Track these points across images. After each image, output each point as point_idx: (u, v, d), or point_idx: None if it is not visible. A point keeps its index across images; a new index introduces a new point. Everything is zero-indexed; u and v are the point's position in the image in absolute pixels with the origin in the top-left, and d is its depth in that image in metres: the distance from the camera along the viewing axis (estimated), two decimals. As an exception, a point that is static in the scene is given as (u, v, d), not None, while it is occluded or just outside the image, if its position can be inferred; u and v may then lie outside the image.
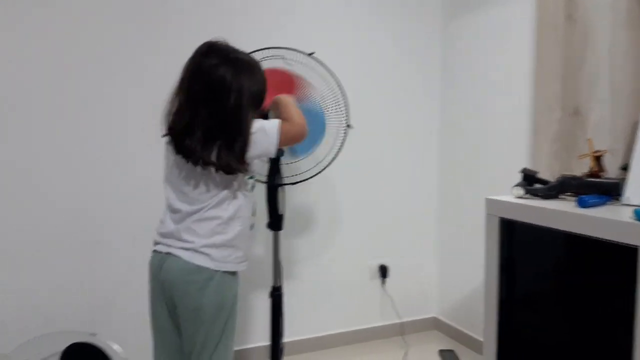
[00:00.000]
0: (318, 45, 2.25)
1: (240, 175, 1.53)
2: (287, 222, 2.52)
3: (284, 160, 2.06)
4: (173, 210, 1.54)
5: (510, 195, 1.82)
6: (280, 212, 2.07)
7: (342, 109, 2.11)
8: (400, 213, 2.83)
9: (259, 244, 2.48)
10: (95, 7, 2.15)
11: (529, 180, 1.84)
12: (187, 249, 1.49)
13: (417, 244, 2.89)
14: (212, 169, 1.45)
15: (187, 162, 1.46)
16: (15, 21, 2.05)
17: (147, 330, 2.31)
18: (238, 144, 1.44)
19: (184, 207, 1.51)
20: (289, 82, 1.97)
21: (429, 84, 2.83)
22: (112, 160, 2.23)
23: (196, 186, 1.49)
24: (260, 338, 2.52)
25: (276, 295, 2.10)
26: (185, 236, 1.50)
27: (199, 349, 1.52)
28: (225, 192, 1.51)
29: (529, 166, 2.13)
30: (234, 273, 1.57)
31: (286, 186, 2.09)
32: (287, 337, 2.54)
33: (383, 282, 2.81)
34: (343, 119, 2.11)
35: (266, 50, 2.04)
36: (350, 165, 2.66)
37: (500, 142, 2.45)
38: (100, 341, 2.14)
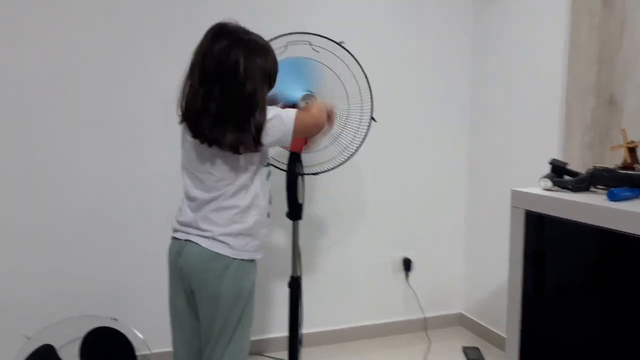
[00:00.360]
0: (346, 35, 2.22)
1: (256, 163, 1.51)
2: (310, 212, 2.52)
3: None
4: (190, 198, 1.54)
5: (538, 187, 1.75)
6: (299, 201, 2.04)
7: (368, 101, 2.05)
8: (426, 205, 2.76)
9: (281, 233, 2.46)
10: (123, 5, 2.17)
11: (558, 171, 1.75)
12: (206, 237, 1.49)
13: (442, 237, 2.81)
14: (228, 152, 1.44)
15: (202, 143, 1.45)
16: (35, 26, 2.08)
17: (167, 317, 2.33)
18: (252, 123, 1.41)
19: (201, 194, 1.50)
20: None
21: (458, 74, 2.75)
22: (132, 150, 2.25)
23: (213, 173, 1.48)
24: (280, 328, 2.50)
25: (295, 285, 2.08)
26: (203, 225, 1.49)
27: (216, 336, 1.52)
28: (242, 181, 1.49)
29: (561, 157, 2.05)
30: (251, 261, 1.56)
31: (307, 175, 2.06)
32: (307, 329, 2.54)
33: (407, 276, 2.75)
34: (367, 111, 2.06)
35: (293, 35, 2.00)
36: (377, 155, 2.62)
37: (531, 133, 2.35)
38: (121, 326, 2.18)
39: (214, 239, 1.48)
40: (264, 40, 1.50)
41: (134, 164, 2.25)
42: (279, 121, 1.48)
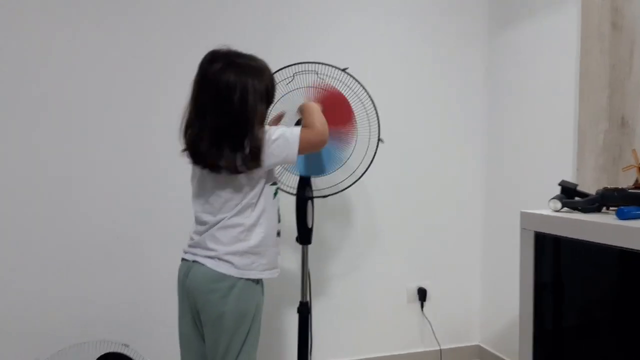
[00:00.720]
0: (358, 61, 2.26)
1: (262, 181, 1.54)
2: (321, 237, 2.51)
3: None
4: (200, 223, 1.57)
5: (548, 209, 1.72)
6: (309, 225, 2.05)
7: (375, 123, 2.07)
8: (442, 233, 2.72)
9: (292, 260, 2.45)
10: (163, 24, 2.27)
11: (568, 193, 1.73)
12: (211, 257, 1.51)
13: (458, 266, 2.76)
14: (231, 174, 1.47)
15: (203, 169, 1.48)
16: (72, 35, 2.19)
17: (178, 343, 2.32)
18: (248, 142, 1.44)
19: (210, 218, 1.53)
20: (347, 111, 1.97)
21: (472, 98, 2.75)
22: (148, 176, 2.29)
23: (220, 195, 1.51)
24: (290, 358, 2.47)
25: (303, 311, 2.06)
26: (210, 244, 1.51)
27: (220, 357, 1.51)
28: (247, 200, 1.51)
29: (575, 180, 2.02)
30: (257, 281, 1.56)
31: (317, 199, 2.07)
32: (319, 358, 2.49)
33: (422, 306, 2.69)
34: (375, 133, 2.08)
35: (299, 65, 2.05)
36: (390, 180, 2.62)
37: (546, 158, 2.32)
38: (132, 352, 2.17)
39: (219, 258, 1.49)
40: (258, 60, 1.53)
41: (148, 192, 2.29)
42: (283, 141, 1.51)
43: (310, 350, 2.10)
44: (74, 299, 2.21)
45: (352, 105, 1.98)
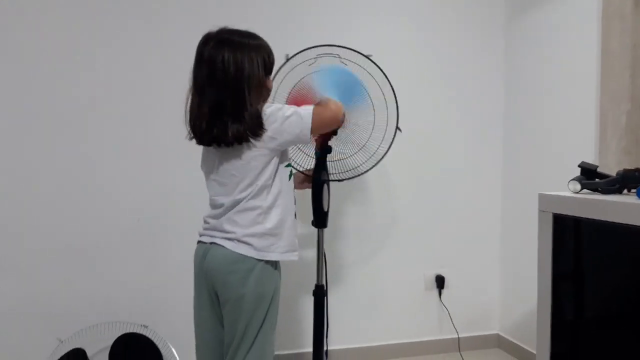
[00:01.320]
0: (378, 45, 2.24)
1: (275, 162, 1.53)
2: (339, 224, 2.51)
3: (330, 157, 2.04)
4: (216, 206, 1.57)
5: (566, 191, 1.68)
6: (325, 209, 2.04)
7: (394, 111, 2.06)
8: (460, 220, 2.70)
9: (312, 247, 2.44)
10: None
11: (588, 174, 1.69)
12: (230, 239, 1.51)
13: (477, 254, 2.73)
14: (240, 145, 1.47)
15: (209, 145, 1.50)
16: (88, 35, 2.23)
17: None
18: (248, 113, 1.44)
19: (226, 199, 1.53)
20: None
21: (491, 84, 2.71)
22: (167, 161, 2.32)
23: (234, 174, 1.51)
24: (307, 343, 2.47)
25: (319, 294, 2.06)
26: (227, 227, 1.52)
27: (238, 340, 1.52)
28: (262, 181, 1.51)
29: (598, 163, 1.97)
30: (275, 265, 1.56)
31: (338, 185, 2.07)
32: (334, 345, 2.50)
33: (440, 294, 2.67)
34: (393, 120, 2.06)
35: (321, 47, 2.04)
36: (410, 167, 2.61)
37: (568, 142, 2.28)
38: (150, 332, 2.21)
39: (238, 240, 1.50)
40: (252, 34, 1.53)
41: (168, 178, 2.32)
42: (297, 117, 1.51)
43: (327, 334, 2.10)
44: (94, 281, 2.26)
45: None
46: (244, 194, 1.51)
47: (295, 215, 1.64)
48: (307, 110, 1.53)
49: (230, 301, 1.51)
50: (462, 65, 2.67)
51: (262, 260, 1.51)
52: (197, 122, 1.48)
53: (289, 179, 1.61)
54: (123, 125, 2.27)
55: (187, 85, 2.21)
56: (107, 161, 2.26)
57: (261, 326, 1.53)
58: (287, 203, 1.58)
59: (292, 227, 1.60)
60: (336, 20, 2.48)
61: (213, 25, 1.52)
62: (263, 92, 1.53)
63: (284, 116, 1.49)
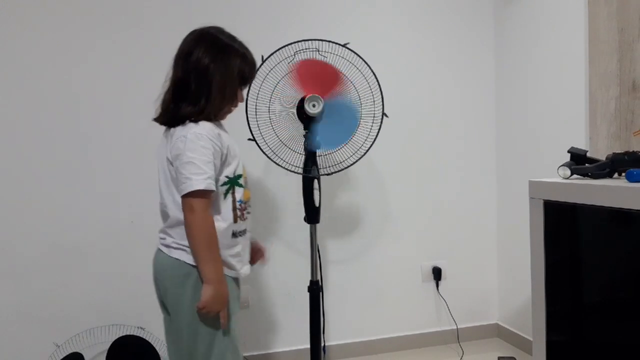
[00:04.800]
0: (366, 35, 2.21)
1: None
2: (334, 217, 2.51)
3: (319, 152, 2.04)
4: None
5: (557, 177, 1.68)
6: (316, 204, 2.04)
7: (378, 98, 2.05)
8: (456, 211, 2.69)
9: (303, 241, 2.44)
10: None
11: (578, 159, 1.68)
12: (166, 245, 1.48)
13: (474, 244, 2.73)
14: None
15: (163, 124, 1.50)
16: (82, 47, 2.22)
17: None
18: (203, 98, 1.43)
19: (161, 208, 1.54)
20: (331, 75, 1.97)
21: (482, 72, 2.70)
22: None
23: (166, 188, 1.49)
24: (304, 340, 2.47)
25: (314, 290, 2.05)
26: (164, 234, 1.50)
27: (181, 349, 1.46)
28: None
29: (589, 149, 1.97)
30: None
31: (331, 179, 2.06)
32: (332, 341, 2.50)
33: (437, 286, 2.67)
34: (379, 108, 2.06)
35: (300, 42, 2.04)
36: (403, 159, 2.60)
37: (559, 129, 2.27)
38: (147, 334, 2.21)
39: (170, 245, 1.46)
40: (233, 38, 1.53)
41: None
42: (186, 169, 1.38)
43: (323, 330, 2.10)
44: (90, 284, 2.25)
45: (340, 70, 1.99)
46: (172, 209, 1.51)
47: (236, 233, 1.50)
48: (193, 184, 1.36)
49: (172, 312, 1.50)
50: (452, 53, 2.66)
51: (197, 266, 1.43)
52: (164, 101, 1.49)
53: (225, 197, 1.48)
54: (116, 127, 2.26)
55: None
56: (100, 163, 2.25)
57: (211, 349, 1.45)
58: (221, 223, 1.46)
59: (228, 247, 1.48)
60: (332, 16, 2.47)
61: (203, 23, 1.53)
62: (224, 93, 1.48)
63: (184, 154, 1.38)
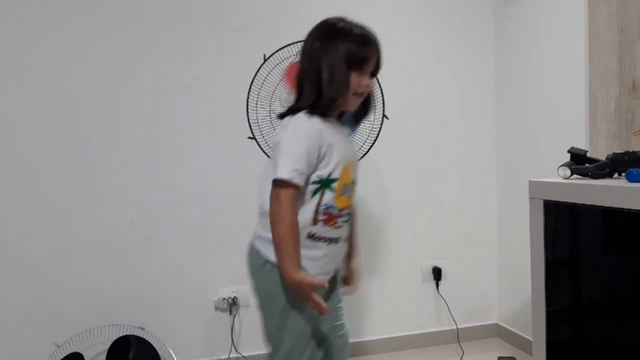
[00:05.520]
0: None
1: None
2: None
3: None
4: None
5: (557, 177, 1.68)
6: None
7: (378, 100, 2.05)
8: (456, 211, 2.69)
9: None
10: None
11: (578, 159, 1.68)
12: (255, 233, 1.49)
13: (474, 243, 2.72)
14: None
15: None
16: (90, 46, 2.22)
17: (191, 326, 2.36)
18: (314, 88, 1.40)
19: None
20: None
21: (482, 72, 2.70)
22: (162, 164, 2.31)
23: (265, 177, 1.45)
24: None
25: (314, 290, 2.05)
26: (258, 222, 1.49)
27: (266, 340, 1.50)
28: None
29: (589, 149, 1.97)
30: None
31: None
32: (334, 339, 2.48)
33: (437, 286, 2.67)
34: (379, 109, 2.06)
35: (300, 43, 2.02)
36: (403, 159, 2.59)
37: (558, 127, 2.27)
38: (148, 334, 2.21)
39: (255, 234, 1.48)
40: (344, 22, 1.48)
41: (162, 178, 2.31)
42: (281, 150, 1.36)
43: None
44: (89, 284, 2.25)
45: None
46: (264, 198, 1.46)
47: (313, 236, 1.41)
48: (279, 172, 1.33)
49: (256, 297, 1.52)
50: (452, 53, 2.65)
51: (269, 260, 1.41)
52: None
53: (312, 196, 1.39)
54: (116, 127, 2.26)
55: (183, 85, 2.23)
56: (100, 163, 2.25)
57: (282, 338, 1.44)
58: (302, 219, 1.39)
59: (309, 247, 1.42)
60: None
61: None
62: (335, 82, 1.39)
63: (281, 142, 1.37)
